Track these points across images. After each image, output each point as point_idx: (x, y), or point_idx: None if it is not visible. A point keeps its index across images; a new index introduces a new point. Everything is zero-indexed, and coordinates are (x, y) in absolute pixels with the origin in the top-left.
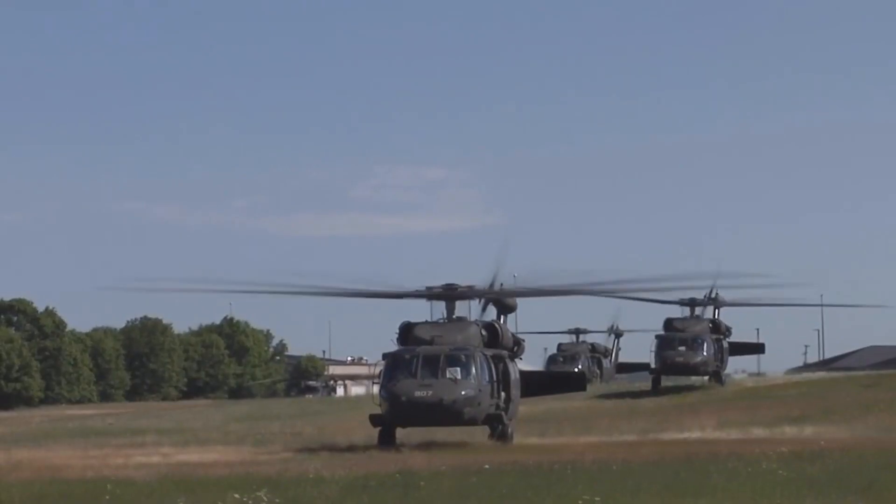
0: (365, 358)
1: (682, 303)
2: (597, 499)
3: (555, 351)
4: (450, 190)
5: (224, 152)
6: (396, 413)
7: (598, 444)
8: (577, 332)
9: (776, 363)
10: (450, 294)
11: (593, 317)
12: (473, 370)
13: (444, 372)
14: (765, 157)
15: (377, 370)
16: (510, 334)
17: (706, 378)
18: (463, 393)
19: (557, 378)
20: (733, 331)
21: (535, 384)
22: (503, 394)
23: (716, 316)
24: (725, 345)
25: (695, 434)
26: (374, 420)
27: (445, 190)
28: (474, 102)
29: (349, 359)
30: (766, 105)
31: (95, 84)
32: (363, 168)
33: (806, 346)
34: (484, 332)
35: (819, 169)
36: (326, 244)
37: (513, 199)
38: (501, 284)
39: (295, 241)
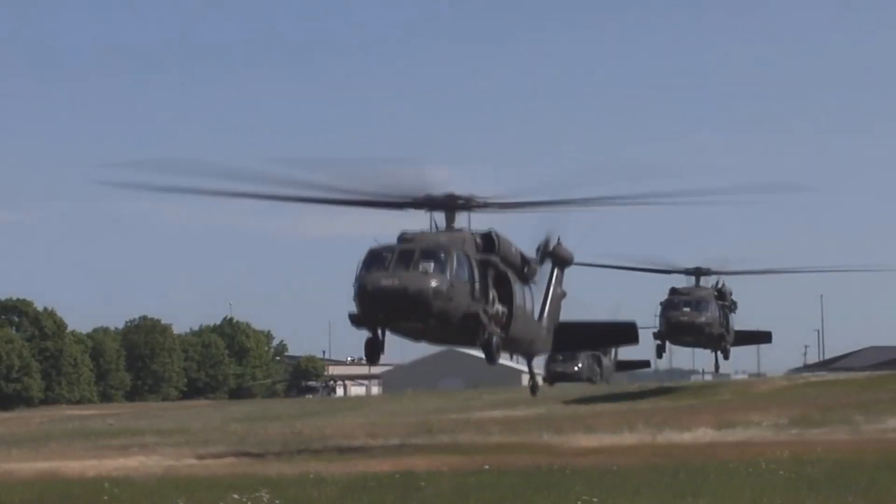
0: (365, 358)
1: (686, 272)
2: (594, 500)
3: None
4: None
5: (228, 153)
6: (363, 305)
7: (597, 445)
8: None
9: (776, 363)
10: (450, 203)
11: (593, 315)
12: (450, 266)
13: (416, 265)
14: (758, 154)
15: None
16: (515, 250)
17: (707, 373)
18: (432, 284)
19: (607, 329)
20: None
21: (584, 336)
22: (500, 308)
23: (722, 287)
24: (731, 317)
25: (694, 435)
26: (351, 319)
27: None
28: (478, 102)
29: (349, 359)
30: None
31: (100, 84)
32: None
33: (806, 347)
34: (479, 241)
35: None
36: (332, 245)
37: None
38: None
39: (300, 242)
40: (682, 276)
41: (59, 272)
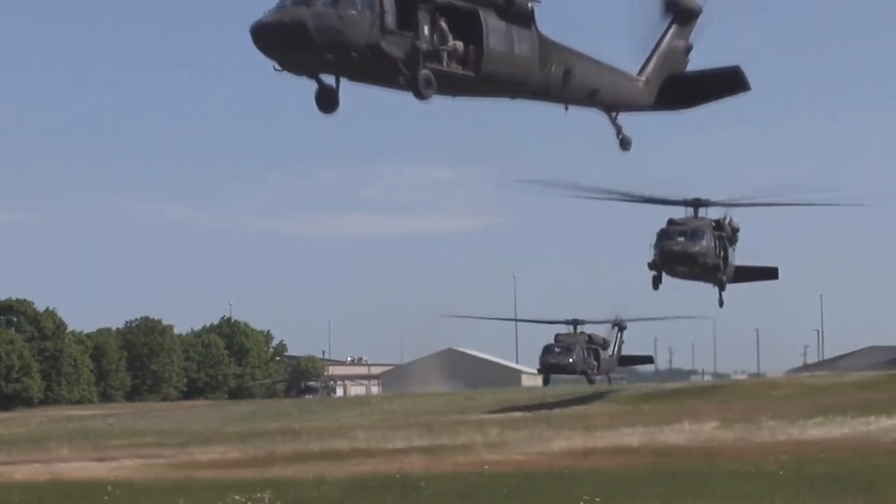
0: (364, 358)
1: (685, 203)
2: (597, 499)
3: (552, 341)
4: (458, 190)
5: (233, 152)
6: (256, 44)
7: (597, 445)
8: (575, 322)
9: (776, 363)
10: None
11: (593, 309)
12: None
13: (308, 2)
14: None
15: None
16: None
17: (706, 374)
18: (311, 13)
19: (713, 76)
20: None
21: (689, 86)
22: (457, 44)
23: (725, 220)
24: (731, 249)
25: (694, 435)
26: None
27: (454, 190)
28: (481, 101)
29: (349, 359)
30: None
31: (104, 85)
32: (372, 168)
33: (805, 347)
34: None
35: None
36: (332, 245)
37: (521, 199)
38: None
39: (301, 242)
40: (681, 209)
41: (59, 272)
